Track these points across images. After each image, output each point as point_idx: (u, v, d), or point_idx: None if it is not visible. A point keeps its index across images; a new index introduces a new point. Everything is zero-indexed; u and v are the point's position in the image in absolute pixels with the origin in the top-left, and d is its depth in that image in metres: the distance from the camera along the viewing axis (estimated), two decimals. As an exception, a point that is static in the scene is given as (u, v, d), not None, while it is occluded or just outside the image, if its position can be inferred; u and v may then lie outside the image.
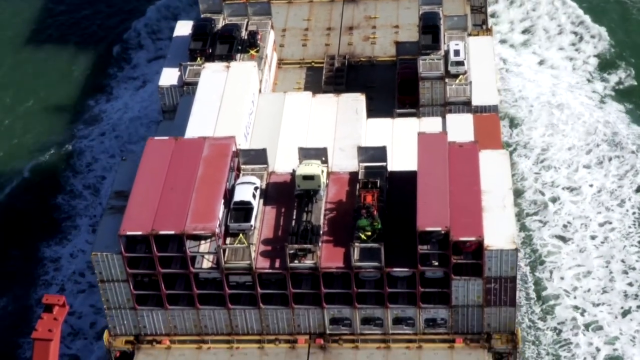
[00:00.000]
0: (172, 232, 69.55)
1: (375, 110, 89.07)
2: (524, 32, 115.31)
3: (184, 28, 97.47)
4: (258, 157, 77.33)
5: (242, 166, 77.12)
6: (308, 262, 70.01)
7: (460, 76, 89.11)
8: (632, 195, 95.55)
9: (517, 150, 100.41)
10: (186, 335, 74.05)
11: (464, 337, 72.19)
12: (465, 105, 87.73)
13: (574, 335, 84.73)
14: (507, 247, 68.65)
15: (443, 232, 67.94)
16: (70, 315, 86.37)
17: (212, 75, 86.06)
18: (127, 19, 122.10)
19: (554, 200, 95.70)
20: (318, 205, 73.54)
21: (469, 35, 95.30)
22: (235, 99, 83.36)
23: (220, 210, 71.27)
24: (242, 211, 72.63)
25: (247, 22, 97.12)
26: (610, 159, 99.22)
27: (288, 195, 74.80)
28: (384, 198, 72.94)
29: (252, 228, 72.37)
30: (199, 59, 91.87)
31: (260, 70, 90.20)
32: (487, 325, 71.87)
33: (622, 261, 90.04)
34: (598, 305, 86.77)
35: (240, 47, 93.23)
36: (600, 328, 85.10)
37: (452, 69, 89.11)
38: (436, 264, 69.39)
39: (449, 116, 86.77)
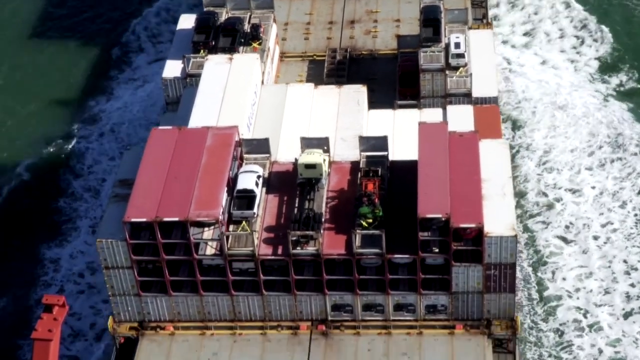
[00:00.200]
0: (176, 219, 69.93)
1: (376, 102, 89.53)
2: (525, 34, 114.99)
3: (187, 21, 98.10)
4: (260, 146, 77.77)
5: (245, 155, 77.62)
6: (310, 248, 70.54)
7: (461, 68, 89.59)
8: (633, 197, 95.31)
9: (520, 152, 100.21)
10: (190, 322, 74.48)
11: (464, 323, 72.61)
12: (466, 97, 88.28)
13: (576, 336, 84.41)
14: (507, 234, 69.11)
15: (443, 219, 68.31)
16: (70, 316, 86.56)
17: (215, 67, 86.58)
18: (127, 22, 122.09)
19: (556, 201, 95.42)
20: (320, 194, 73.98)
21: (470, 28, 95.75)
22: (238, 90, 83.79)
23: (224, 197, 71.68)
24: (245, 199, 73.07)
25: (250, 16, 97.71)
26: (612, 161, 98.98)
27: (290, 184, 75.26)
28: (385, 186, 73.40)
29: (255, 215, 72.79)
30: (202, 51, 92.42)
31: (263, 63, 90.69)
32: (487, 312, 72.30)
33: (625, 262, 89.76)
34: (600, 306, 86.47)
35: (242, 40, 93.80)
36: (602, 329, 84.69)
37: (453, 62, 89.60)
38: (437, 250, 69.80)
39: (449, 107, 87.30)
